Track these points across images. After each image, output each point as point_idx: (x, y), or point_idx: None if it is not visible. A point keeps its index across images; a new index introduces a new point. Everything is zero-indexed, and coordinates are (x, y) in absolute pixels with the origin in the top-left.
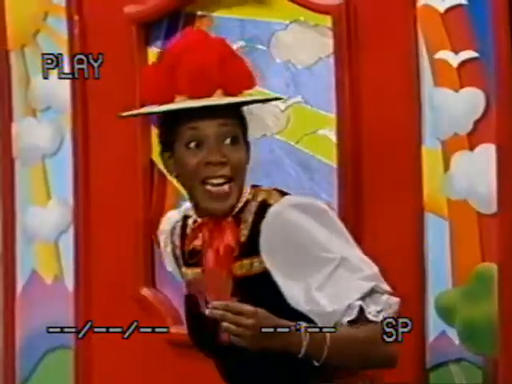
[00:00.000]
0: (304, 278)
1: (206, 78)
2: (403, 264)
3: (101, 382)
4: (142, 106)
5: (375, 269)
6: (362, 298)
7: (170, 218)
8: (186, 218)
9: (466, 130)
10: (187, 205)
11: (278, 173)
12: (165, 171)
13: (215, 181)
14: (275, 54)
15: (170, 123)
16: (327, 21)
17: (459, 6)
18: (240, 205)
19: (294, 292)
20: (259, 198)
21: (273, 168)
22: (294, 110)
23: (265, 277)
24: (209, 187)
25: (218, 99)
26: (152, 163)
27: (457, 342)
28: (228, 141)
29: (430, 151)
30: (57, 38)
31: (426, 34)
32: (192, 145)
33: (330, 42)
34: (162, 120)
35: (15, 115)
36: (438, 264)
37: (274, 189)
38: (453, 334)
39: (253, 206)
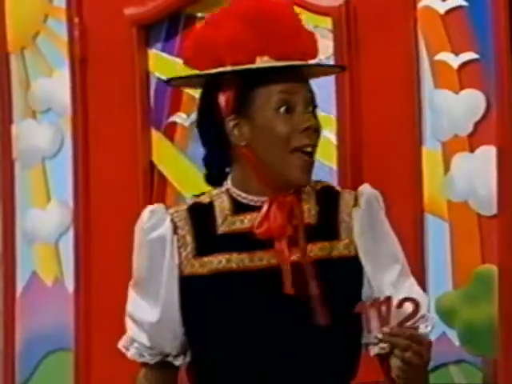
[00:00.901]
0: (386, 269)
1: (295, 38)
2: None
3: None
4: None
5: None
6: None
7: (158, 211)
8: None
9: (466, 132)
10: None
11: None
12: (232, 138)
13: (308, 149)
14: None
15: (252, 86)
16: (327, 22)
17: (459, 7)
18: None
19: (382, 280)
20: (315, 185)
21: None
22: None
23: (346, 262)
24: (299, 156)
25: (305, 62)
26: (152, 165)
27: (457, 343)
28: (311, 108)
29: (431, 153)
30: (57, 40)
31: (426, 35)
32: (282, 109)
33: (330, 44)
34: (241, 82)
35: (15, 117)
36: (438, 265)
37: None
38: (453, 336)
39: (309, 190)
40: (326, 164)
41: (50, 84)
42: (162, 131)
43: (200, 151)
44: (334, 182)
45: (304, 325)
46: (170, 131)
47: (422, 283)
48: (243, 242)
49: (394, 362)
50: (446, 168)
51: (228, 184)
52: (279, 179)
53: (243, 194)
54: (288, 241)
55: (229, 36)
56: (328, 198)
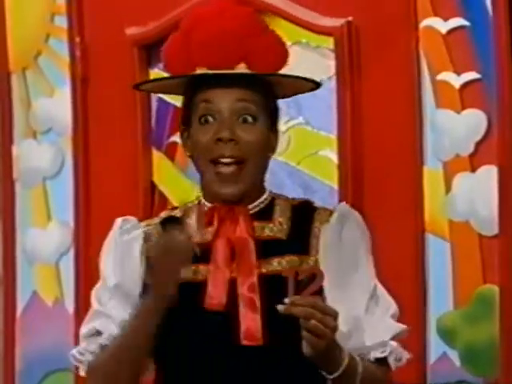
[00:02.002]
0: (349, 294)
1: (225, 47)
2: (404, 285)
3: None
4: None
5: (395, 306)
6: (392, 339)
7: (131, 220)
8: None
9: (467, 152)
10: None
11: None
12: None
13: (224, 160)
14: None
15: (188, 96)
16: (329, 42)
17: (461, 27)
18: (266, 202)
19: (336, 305)
20: (293, 201)
21: (274, 189)
22: (296, 131)
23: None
24: (219, 167)
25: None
26: (153, 185)
27: (458, 363)
28: (241, 119)
29: (432, 172)
30: (58, 59)
31: (428, 55)
32: (203, 120)
33: (331, 64)
34: (183, 93)
35: (16, 137)
36: (440, 285)
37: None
38: (454, 356)
39: (285, 205)
40: (327, 183)
41: (50, 104)
42: (162, 151)
43: None
44: (334, 201)
45: (230, 344)
46: (170, 151)
47: (423, 303)
48: (203, 254)
49: (303, 340)
50: (448, 188)
51: (201, 195)
52: (210, 192)
53: (208, 205)
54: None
55: (171, 45)
56: (303, 213)
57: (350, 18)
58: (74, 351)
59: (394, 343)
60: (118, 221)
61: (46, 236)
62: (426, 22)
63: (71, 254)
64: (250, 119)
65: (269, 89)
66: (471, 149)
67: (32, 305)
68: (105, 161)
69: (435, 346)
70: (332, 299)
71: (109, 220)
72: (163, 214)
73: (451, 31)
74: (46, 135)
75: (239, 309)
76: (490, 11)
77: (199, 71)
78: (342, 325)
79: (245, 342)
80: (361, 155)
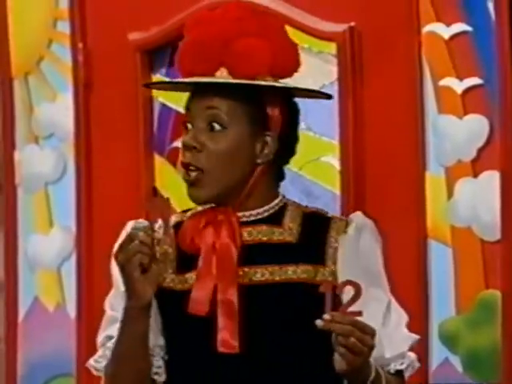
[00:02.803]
0: (366, 307)
1: (203, 53)
2: (406, 291)
3: None
4: None
5: (406, 316)
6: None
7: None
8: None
9: (469, 157)
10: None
11: None
12: None
13: (189, 167)
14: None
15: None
16: (331, 48)
17: (464, 33)
18: (276, 207)
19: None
20: (305, 208)
21: None
22: None
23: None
24: (184, 172)
25: (216, 78)
26: (155, 190)
27: (460, 369)
28: (209, 127)
29: (434, 178)
30: (61, 65)
31: (431, 60)
32: (183, 126)
33: (334, 69)
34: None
35: (18, 142)
36: (442, 291)
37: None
38: (456, 362)
39: (296, 212)
40: (329, 189)
41: (53, 109)
42: (165, 156)
43: None
44: (336, 207)
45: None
46: (173, 156)
47: (425, 309)
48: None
49: (337, 356)
50: (450, 193)
51: None
52: None
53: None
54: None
55: (182, 49)
56: (317, 222)
57: (352, 24)
58: (91, 361)
59: (411, 354)
60: (130, 224)
61: (47, 241)
62: (428, 27)
63: (73, 259)
64: (217, 127)
65: (255, 95)
66: (473, 154)
67: (34, 310)
68: (107, 166)
69: (437, 352)
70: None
71: (111, 225)
72: (174, 218)
73: (454, 37)
74: (48, 140)
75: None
76: (493, 16)
77: (218, 74)
78: None
79: (221, 350)
80: (363, 161)
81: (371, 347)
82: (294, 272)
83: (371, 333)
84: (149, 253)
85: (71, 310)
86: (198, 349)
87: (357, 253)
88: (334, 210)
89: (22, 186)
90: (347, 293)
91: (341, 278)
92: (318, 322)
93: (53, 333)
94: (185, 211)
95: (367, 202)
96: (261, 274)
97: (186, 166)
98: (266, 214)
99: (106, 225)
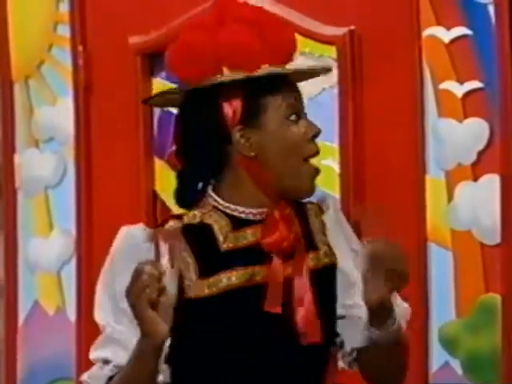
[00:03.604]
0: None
1: (290, 42)
2: (406, 294)
3: None
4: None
5: None
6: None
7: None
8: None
9: (469, 161)
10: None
11: None
12: (240, 149)
13: (315, 157)
14: None
15: (261, 94)
16: (332, 51)
17: (464, 36)
18: None
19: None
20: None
21: None
22: None
23: (329, 269)
24: (310, 165)
25: (299, 66)
26: (155, 194)
27: (460, 372)
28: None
29: (434, 181)
30: (61, 68)
31: (431, 64)
32: (293, 117)
33: (334, 73)
34: (249, 90)
35: (18, 146)
36: (442, 294)
37: None
38: (456, 365)
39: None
40: (329, 193)
41: (53, 113)
42: (165, 160)
43: None
44: None
45: (292, 344)
46: (173, 160)
47: (426, 312)
48: (249, 256)
49: (370, 286)
50: (450, 197)
51: (215, 200)
52: (287, 189)
53: (240, 208)
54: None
55: (234, 41)
56: (297, 208)
57: (352, 27)
58: (86, 377)
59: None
60: (123, 229)
61: (47, 245)
62: (428, 31)
63: (73, 262)
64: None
65: None
66: (473, 158)
67: (34, 314)
68: (107, 169)
69: (437, 355)
70: (352, 276)
71: (111, 229)
72: (175, 223)
73: (454, 40)
74: (48, 144)
75: (295, 309)
76: (493, 20)
77: (263, 67)
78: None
79: (305, 341)
80: (363, 164)
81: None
82: (318, 259)
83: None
84: (157, 286)
85: (71, 314)
86: (277, 342)
87: (341, 226)
88: None
89: (22, 189)
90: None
91: (337, 254)
92: (368, 245)
93: (53, 336)
94: (178, 216)
95: (367, 205)
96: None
97: (314, 156)
98: None
99: (105, 228)
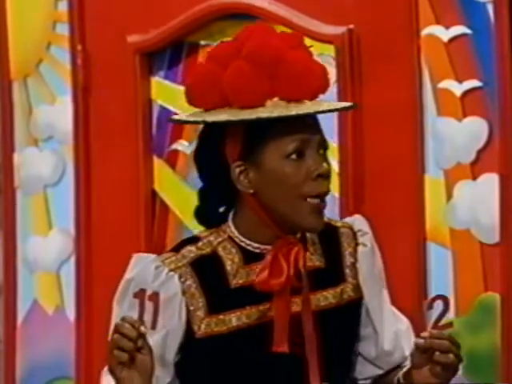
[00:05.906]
0: (384, 312)
1: (306, 76)
2: (405, 293)
3: None
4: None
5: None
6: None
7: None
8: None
9: (468, 160)
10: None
11: None
12: (239, 186)
13: (324, 196)
14: None
15: (263, 135)
16: (331, 50)
17: (463, 35)
18: None
19: (379, 325)
20: None
21: None
22: None
23: (354, 305)
24: (312, 201)
25: (316, 104)
26: (154, 193)
27: (459, 371)
28: (322, 151)
29: (433, 180)
30: (60, 67)
31: (430, 63)
32: (294, 156)
33: (333, 71)
34: (250, 130)
35: (17, 145)
36: (441, 293)
37: None
38: None
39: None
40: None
41: (52, 112)
42: (163, 159)
43: None
44: (335, 209)
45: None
46: (171, 159)
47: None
48: (259, 293)
49: (426, 372)
50: (449, 196)
51: (231, 231)
52: (290, 226)
53: (254, 244)
54: (291, 291)
55: (236, 77)
56: (328, 235)
57: (351, 26)
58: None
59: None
60: (135, 257)
61: (46, 244)
62: (427, 29)
63: (72, 261)
64: (326, 151)
65: None
66: (472, 157)
67: (33, 313)
68: (106, 168)
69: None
70: (376, 320)
71: (110, 228)
72: (187, 252)
73: (453, 39)
74: (47, 143)
75: (305, 347)
76: (492, 19)
77: (270, 103)
78: (387, 344)
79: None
80: (362, 163)
81: (462, 361)
82: (334, 297)
83: (458, 345)
84: (131, 347)
85: (70, 313)
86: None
87: (373, 263)
88: (332, 212)
89: (21, 188)
90: (436, 308)
91: (365, 291)
92: (419, 341)
93: (52, 335)
94: (194, 239)
95: (366, 204)
96: (323, 298)
97: (323, 196)
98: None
99: (104, 227)
